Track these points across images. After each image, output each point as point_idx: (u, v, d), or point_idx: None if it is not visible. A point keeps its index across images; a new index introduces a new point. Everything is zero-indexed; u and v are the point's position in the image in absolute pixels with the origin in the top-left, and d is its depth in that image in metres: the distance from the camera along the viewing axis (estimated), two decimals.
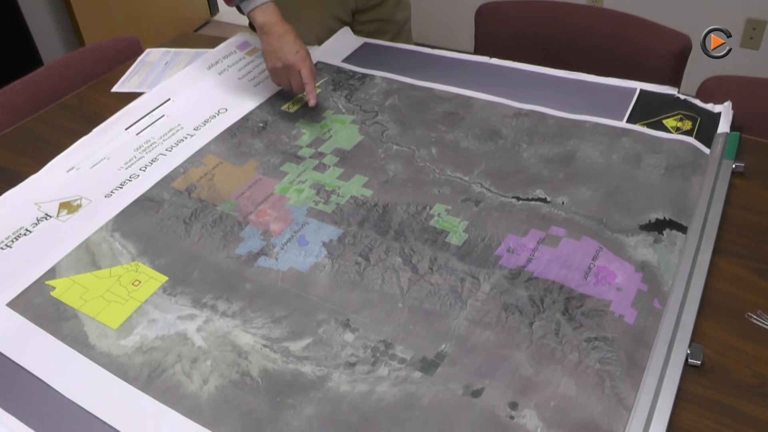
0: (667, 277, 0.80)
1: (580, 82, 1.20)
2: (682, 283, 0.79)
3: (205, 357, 0.75)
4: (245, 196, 0.99)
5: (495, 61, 1.28)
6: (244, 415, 0.68)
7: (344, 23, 1.44)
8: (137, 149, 1.11)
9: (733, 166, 0.97)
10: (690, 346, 0.71)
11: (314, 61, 1.31)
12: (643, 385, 0.68)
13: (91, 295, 0.83)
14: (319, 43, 1.39)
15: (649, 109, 1.10)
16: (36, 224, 0.96)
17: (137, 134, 1.14)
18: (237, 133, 1.14)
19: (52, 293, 0.84)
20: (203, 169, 1.05)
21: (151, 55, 1.44)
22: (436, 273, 0.83)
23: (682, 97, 1.12)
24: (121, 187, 1.02)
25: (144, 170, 1.06)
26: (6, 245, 0.92)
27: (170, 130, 1.15)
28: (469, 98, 1.18)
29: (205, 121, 1.17)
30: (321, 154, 1.07)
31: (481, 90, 1.19)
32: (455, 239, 0.88)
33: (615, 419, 0.65)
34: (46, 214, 0.98)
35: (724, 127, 1.05)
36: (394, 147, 1.07)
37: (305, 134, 1.12)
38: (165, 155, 1.09)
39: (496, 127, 1.10)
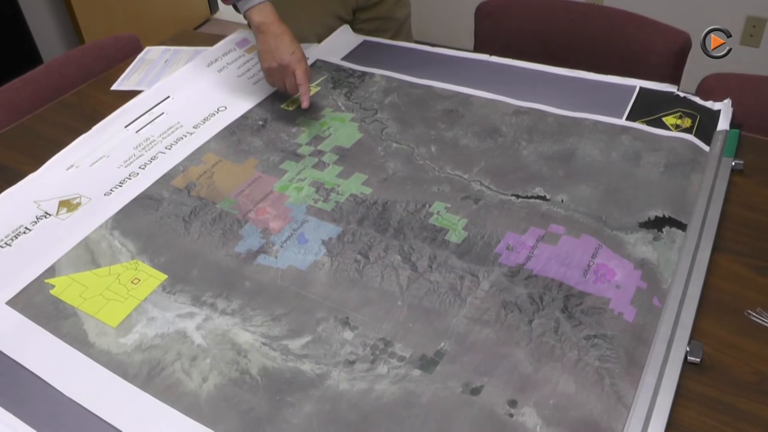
0: (666, 275, 0.80)
1: (580, 79, 1.20)
2: (682, 280, 0.79)
3: (205, 355, 0.75)
4: (245, 194, 0.99)
5: (495, 59, 1.28)
6: (243, 413, 0.68)
7: (344, 21, 1.44)
8: (137, 147, 1.11)
9: (733, 163, 0.97)
10: (689, 343, 0.71)
11: (314, 59, 1.32)
12: (643, 383, 0.68)
13: (91, 294, 0.83)
14: (319, 41, 1.38)
15: (648, 107, 1.10)
16: (35, 222, 0.96)
17: (137, 132, 1.14)
18: (236, 131, 1.13)
19: (51, 291, 0.84)
20: (203, 167, 1.05)
21: (151, 53, 1.44)
22: (436, 271, 0.83)
23: (682, 94, 1.12)
24: (121, 185, 1.02)
25: (143, 168, 1.06)
26: (5, 243, 0.92)
27: (170, 128, 1.15)
28: (469, 96, 1.17)
29: (205, 119, 1.17)
30: (320, 152, 1.07)
31: (481, 88, 1.19)
32: (454, 237, 0.88)
33: (614, 417, 0.65)
34: (46, 213, 0.98)
35: (723, 124, 1.04)
36: (394, 145, 1.07)
37: (305, 132, 1.12)
38: (164, 153, 1.09)
39: (495, 124, 1.10)
